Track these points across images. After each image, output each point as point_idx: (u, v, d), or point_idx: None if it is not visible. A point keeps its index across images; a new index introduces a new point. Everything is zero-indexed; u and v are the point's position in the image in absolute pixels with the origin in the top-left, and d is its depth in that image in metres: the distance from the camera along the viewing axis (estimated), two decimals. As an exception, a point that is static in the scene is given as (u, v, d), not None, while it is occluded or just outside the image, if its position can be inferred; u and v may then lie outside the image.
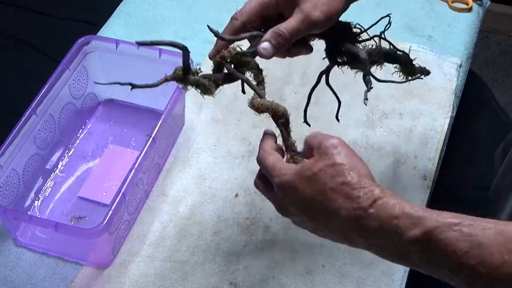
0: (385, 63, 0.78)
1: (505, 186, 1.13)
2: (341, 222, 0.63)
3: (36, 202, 0.96)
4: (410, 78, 0.79)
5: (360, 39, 0.78)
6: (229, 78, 0.75)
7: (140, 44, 0.68)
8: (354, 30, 0.78)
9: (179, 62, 0.98)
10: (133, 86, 0.70)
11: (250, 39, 0.76)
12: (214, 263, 0.90)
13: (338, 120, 0.81)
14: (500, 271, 0.55)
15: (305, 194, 0.64)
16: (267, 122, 1.07)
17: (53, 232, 0.81)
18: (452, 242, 0.56)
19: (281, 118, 0.72)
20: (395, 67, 0.79)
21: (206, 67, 1.20)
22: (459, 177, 1.23)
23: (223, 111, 1.07)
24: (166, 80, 0.72)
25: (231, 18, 0.76)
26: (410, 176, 0.99)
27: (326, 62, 0.82)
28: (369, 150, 1.02)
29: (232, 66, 0.74)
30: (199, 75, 0.73)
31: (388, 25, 0.75)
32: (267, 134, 0.73)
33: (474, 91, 1.33)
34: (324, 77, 0.80)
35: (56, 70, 0.96)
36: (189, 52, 0.70)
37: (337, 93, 0.81)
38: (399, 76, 0.79)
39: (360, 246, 0.64)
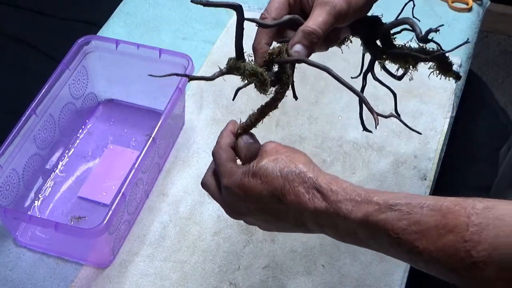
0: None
1: (506, 185, 1.13)
2: (290, 211, 0.65)
3: (36, 202, 0.96)
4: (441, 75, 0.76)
5: (392, 32, 0.75)
6: (280, 72, 0.68)
7: (195, 2, 0.61)
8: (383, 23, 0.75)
9: (179, 62, 0.98)
10: (190, 78, 0.67)
11: (289, 24, 0.71)
12: (214, 263, 0.90)
13: (398, 114, 0.76)
14: (437, 245, 0.57)
15: (254, 188, 0.65)
16: (267, 122, 1.07)
17: (53, 232, 0.81)
18: (391, 222, 0.59)
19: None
20: (430, 68, 0.75)
21: (206, 67, 1.20)
22: (459, 177, 1.23)
23: (223, 111, 1.07)
24: (222, 73, 0.68)
25: (260, 18, 0.71)
26: (410, 176, 0.99)
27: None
28: (369, 150, 1.02)
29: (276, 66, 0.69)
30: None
31: (439, 29, 0.72)
32: (227, 127, 0.73)
33: (474, 91, 1.33)
34: (370, 74, 0.77)
35: (56, 70, 0.96)
36: (242, 15, 0.63)
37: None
38: (433, 74, 0.76)
39: (315, 231, 0.66)
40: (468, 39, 0.75)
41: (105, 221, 0.80)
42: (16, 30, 1.33)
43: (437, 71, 0.75)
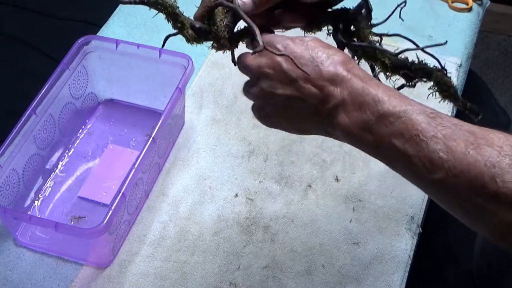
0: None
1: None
2: (317, 85, 0.63)
3: (36, 202, 0.96)
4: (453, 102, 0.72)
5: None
6: (210, 23, 0.70)
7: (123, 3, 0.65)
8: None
9: (179, 62, 0.98)
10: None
11: None
12: (214, 263, 0.90)
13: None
14: (463, 162, 0.55)
15: (280, 72, 0.64)
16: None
17: (53, 232, 0.81)
18: (422, 124, 0.58)
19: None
20: (429, 88, 0.72)
21: (206, 67, 1.19)
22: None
23: (223, 111, 1.07)
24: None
25: None
26: (410, 176, 0.99)
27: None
28: (369, 150, 1.02)
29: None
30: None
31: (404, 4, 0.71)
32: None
33: (474, 91, 1.33)
34: None
35: (56, 70, 0.96)
36: None
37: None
38: (435, 98, 0.72)
39: (341, 126, 0.64)
40: (446, 41, 0.73)
41: (105, 221, 0.80)
42: (16, 30, 1.33)
43: (437, 92, 0.72)
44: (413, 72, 0.70)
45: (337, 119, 0.63)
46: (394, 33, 0.72)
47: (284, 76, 0.64)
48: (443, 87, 0.70)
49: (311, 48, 0.64)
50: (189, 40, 0.71)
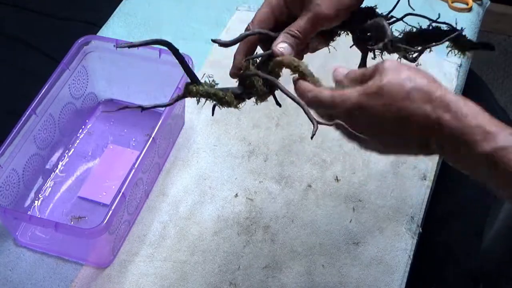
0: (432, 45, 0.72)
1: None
2: (415, 129, 0.61)
3: (36, 202, 0.96)
4: (467, 52, 0.73)
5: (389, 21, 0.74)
6: (250, 86, 0.71)
7: (121, 47, 0.62)
8: (379, 12, 0.75)
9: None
10: (143, 108, 0.67)
11: (261, 42, 0.74)
12: (214, 263, 0.90)
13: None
14: None
15: (375, 109, 0.61)
16: (267, 122, 1.07)
17: (53, 232, 0.81)
18: None
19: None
20: (447, 47, 0.73)
21: (206, 67, 1.19)
22: (459, 177, 1.23)
23: (223, 111, 1.06)
24: (179, 97, 0.69)
25: (245, 30, 0.74)
26: (410, 176, 0.99)
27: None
28: (369, 150, 1.02)
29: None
30: (215, 87, 0.70)
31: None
32: (300, 81, 0.68)
33: (474, 91, 1.33)
34: None
35: (56, 70, 0.96)
36: (176, 49, 0.67)
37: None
38: (454, 55, 0.73)
39: (435, 152, 0.62)
40: (462, 27, 0.73)
41: (105, 221, 0.80)
42: (16, 30, 1.33)
43: (455, 50, 0.73)
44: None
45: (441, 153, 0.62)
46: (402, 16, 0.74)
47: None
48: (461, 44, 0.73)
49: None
50: (231, 104, 0.71)
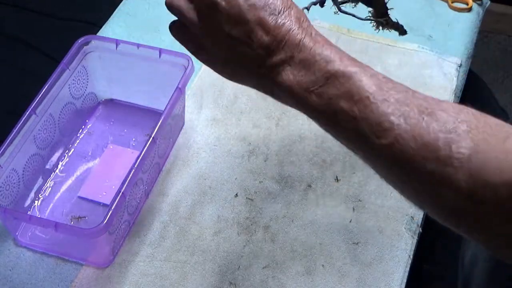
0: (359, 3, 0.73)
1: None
2: (253, 51, 0.60)
3: (36, 202, 0.96)
4: (380, 28, 0.75)
5: None
6: None
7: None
8: None
9: (179, 62, 0.98)
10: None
11: None
12: (214, 263, 0.90)
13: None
14: (417, 126, 0.53)
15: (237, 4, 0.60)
16: (267, 122, 1.07)
17: (53, 232, 0.81)
18: (373, 85, 0.55)
19: None
20: (369, 12, 0.74)
21: (206, 67, 1.19)
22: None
23: (223, 111, 1.07)
24: None
25: None
26: (410, 176, 0.99)
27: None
28: (369, 150, 1.02)
29: None
30: None
31: None
32: None
33: (474, 91, 1.33)
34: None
35: (56, 70, 0.96)
36: None
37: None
38: (372, 25, 0.74)
39: (273, 74, 0.61)
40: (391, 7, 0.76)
41: (105, 221, 0.80)
42: (16, 30, 1.33)
43: (373, 21, 0.74)
44: None
45: (281, 76, 0.60)
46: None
47: (238, 13, 0.60)
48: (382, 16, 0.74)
49: None
50: None
